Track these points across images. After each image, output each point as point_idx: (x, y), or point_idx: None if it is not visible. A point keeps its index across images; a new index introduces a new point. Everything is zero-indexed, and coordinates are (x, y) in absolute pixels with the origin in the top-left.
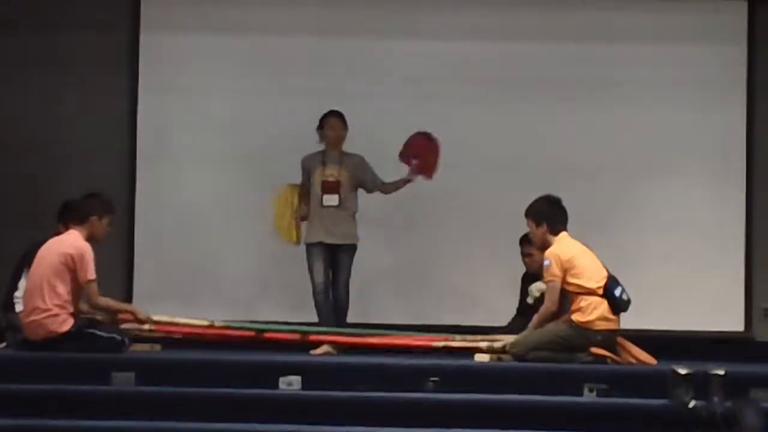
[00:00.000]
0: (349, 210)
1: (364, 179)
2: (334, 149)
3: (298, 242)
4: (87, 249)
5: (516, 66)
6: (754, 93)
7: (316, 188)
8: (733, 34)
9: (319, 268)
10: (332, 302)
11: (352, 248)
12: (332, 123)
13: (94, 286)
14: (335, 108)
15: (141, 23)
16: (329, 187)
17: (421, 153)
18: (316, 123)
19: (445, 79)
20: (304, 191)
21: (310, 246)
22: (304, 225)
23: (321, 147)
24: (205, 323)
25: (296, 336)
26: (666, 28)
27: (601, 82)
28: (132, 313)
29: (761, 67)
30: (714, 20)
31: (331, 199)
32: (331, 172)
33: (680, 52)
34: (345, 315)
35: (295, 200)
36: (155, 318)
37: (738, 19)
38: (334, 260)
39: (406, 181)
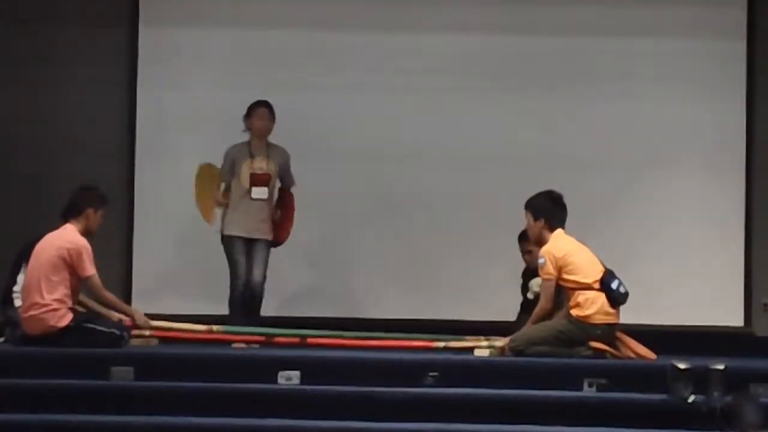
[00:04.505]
0: (271, 203)
1: (285, 174)
2: (260, 140)
3: (212, 224)
4: (84, 244)
5: (514, 60)
6: (754, 88)
7: (243, 181)
8: (733, 29)
9: (243, 262)
10: (248, 296)
11: (268, 243)
12: (260, 113)
13: (96, 280)
14: (341, 102)
15: (140, 18)
16: (259, 180)
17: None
18: (315, 118)
19: (444, 73)
20: (219, 179)
21: (231, 239)
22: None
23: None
24: (204, 329)
25: (296, 340)
26: (666, 23)
27: (601, 76)
28: (131, 316)
29: (761, 61)
30: (714, 15)
31: (261, 192)
32: (260, 165)
33: (680, 46)
34: (259, 308)
35: (217, 182)
36: (154, 324)
37: (738, 14)
38: (251, 253)
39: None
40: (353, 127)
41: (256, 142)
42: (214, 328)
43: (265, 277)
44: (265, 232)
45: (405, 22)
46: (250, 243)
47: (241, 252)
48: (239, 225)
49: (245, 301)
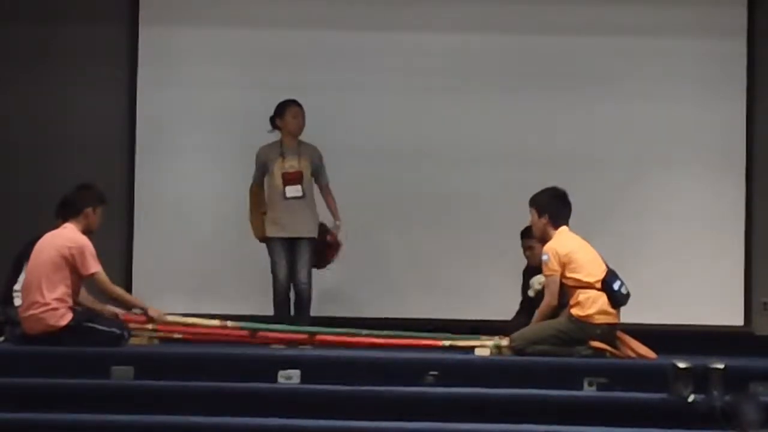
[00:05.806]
0: (311, 201)
1: (319, 172)
2: (293, 139)
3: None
4: (86, 242)
5: (517, 59)
6: (754, 87)
7: (277, 181)
8: (734, 29)
9: (283, 264)
10: (294, 296)
11: (312, 241)
12: (296, 111)
13: (103, 276)
14: (341, 101)
15: (140, 15)
16: (291, 179)
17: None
18: (316, 116)
19: (447, 72)
20: (260, 187)
21: (272, 240)
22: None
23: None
24: (217, 324)
25: (305, 336)
26: (666, 23)
27: (601, 76)
28: (144, 309)
29: (761, 61)
30: (714, 14)
31: (295, 191)
32: (291, 163)
33: (680, 46)
34: (309, 309)
35: (260, 197)
36: (167, 318)
37: (738, 14)
38: (293, 253)
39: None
40: (353, 127)
41: (288, 140)
42: (229, 323)
43: (309, 277)
44: (308, 231)
45: (405, 22)
46: (293, 243)
47: (281, 254)
48: (278, 226)
49: (294, 303)
